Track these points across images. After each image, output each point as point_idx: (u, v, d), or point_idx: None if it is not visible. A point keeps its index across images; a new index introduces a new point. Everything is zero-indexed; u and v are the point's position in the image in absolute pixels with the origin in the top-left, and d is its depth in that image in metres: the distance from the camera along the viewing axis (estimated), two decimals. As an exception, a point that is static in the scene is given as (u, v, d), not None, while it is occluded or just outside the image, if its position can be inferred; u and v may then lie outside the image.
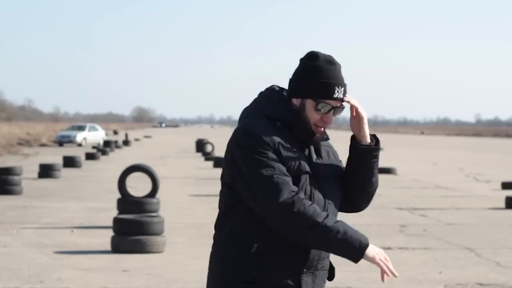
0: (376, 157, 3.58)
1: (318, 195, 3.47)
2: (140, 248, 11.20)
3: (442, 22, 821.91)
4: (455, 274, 9.90)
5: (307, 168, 3.47)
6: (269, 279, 3.42)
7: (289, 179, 3.38)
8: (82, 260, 10.61)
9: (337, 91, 3.46)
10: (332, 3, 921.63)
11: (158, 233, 11.46)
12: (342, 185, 3.59)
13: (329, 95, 3.45)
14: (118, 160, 36.75)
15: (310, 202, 3.38)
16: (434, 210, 17.15)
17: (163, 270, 10.03)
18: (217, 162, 33.07)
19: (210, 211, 16.66)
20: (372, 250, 3.39)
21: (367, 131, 3.56)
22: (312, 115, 3.47)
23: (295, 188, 3.38)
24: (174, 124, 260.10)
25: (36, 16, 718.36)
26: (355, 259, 3.39)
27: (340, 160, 3.68)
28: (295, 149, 3.47)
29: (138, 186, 19.79)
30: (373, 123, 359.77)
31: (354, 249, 3.36)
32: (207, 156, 40.09)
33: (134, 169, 14.30)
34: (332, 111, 3.48)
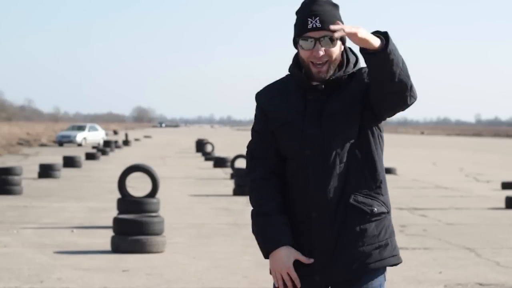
0: (389, 56, 3.25)
1: (313, 137, 3.44)
2: (140, 248, 11.20)
3: (442, 22, 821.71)
4: (455, 274, 9.89)
5: (293, 116, 3.47)
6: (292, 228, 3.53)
7: (262, 138, 3.56)
8: (82, 260, 10.61)
9: (310, 22, 3.40)
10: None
11: (158, 233, 11.45)
12: (355, 119, 3.44)
13: (304, 28, 3.42)
14: (118, 160, 36.74)
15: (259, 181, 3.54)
16: (434, 210, 17.15)
17: (163, 270, 10.02)
18: (217, 162, 33.06)
19: (210, 211, 16.66)
20: (273, 262, 3.46)
21: (369, 38, 3.22)
22: (304, 55, 3.44)
23: (258, 153, 3.57)
24: (174, 124, 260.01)
25: (36, 16, 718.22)
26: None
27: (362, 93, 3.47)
28: (287, 100, 3.52)
29: (138, 186, 19.79)
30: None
31: (261, 250, 3.53)
32: (207, 156, 40.07)
33: (134, 169, 14.29)
34: (319, 43, 3.40)
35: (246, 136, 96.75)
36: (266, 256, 3.52)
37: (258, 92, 3.63)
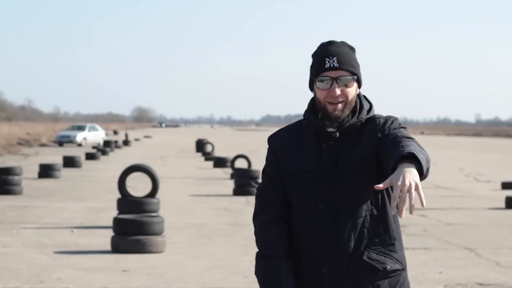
0: (425, 176, 3.23)
1: (327, 192, 3.41)
2: (140, 248, 11.20)
3: (442, 22, 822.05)
4: (455, 274, 9.89)
5: (308, 167, 3.45)
6: (296, 282, 3.48)
7: (273, 182, 3.54)
8: (82, 260, 10.61)
9: (328, 61, 3.41)
10: (332, 3, 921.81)
11: (158, 233, 11.46)
12: (370, 175, 3.39)
13: (321, 67, 3.43)
14: (118, 160, 36.74)
15: (263, 222, 3.52)
16: (434, 210, 17.15)
17: (163, 270, 10.02)
18: (217, 162, 33.07)
19: (210, 211, 16.66)
20: None
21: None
22: (321, 96, 3.45)
23: (268, 196, 3.54)
24: (174, 124, 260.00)
25: (36, 16, 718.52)
26: None
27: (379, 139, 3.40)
28: (301, 148, 3.49)
29: (138, 186, 19.79)
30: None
31: None
32: (207, 156, 40.08)
33: (134, 169, 14.30)
34: (336, 82, 3.41)
35: (246, 136, 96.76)
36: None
37: (272, 136, 3.62)
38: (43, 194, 20.04)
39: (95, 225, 14.17)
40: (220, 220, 15.07)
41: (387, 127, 3.45)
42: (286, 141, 3.55)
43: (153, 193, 13.92)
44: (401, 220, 15.22)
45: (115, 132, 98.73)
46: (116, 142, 55.51)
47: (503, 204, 18.16)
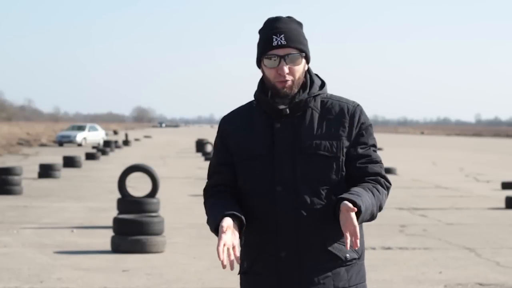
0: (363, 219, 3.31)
1: (285, 174, 3.33)
2: (140, 248, 11.20)
3: (442, 23, 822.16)
4: (455, 274, 9.89)
5: (261, 150, 3.36)
6: (254, 268, 3.40)
7: (222, 169, 3.45)
8: (82, 260, 10.61)
9: (275, 39, 3.33)
10: (332, 3, 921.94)
11: (158, 233, 11.46)
12: (331, 162, 3.34)
13: (269, 45, 3.34)
14: (118, 160, 36.75)
15: (211, 197, 3.44)
16: (434, 210, 17.15)
17: (163, 270, 10.02)
18: (217, 162, 33.06)
19: (210, 211, 16.66)
20: (219, 238, 3.20)
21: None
22: (269, 74, 3.36)
23: (215, 181, 3.46)
24: (174, 124, 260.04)
25: (36, 16, 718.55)
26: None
27: (342, 132, 3.37)
28: (253, 131, 3.40)
29: (138, 186, 19.80)
30: (373, 123, 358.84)
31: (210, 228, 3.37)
32: (207, 156, 40.07)
33: (134, 169, 14.30)
34: (284, 60, 3.33)
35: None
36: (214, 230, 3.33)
37: (223, 119, 3.51)
38: (43, 194, 20.04)
39: (95, 225, 14.17)
40: (220, 220, 15.06)
41: (359, 127, 3.39)
42: (238, 125, 3.44)
43: (153, 193, 13.93)
44: (401, 220, 15.22)
45: (115, 132, 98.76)
46: (116, 142, 55.53)
47: (503, 204, 18.17)
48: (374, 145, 3.44)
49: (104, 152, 43.53)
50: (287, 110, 3.35)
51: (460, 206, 18.20)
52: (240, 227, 3.29)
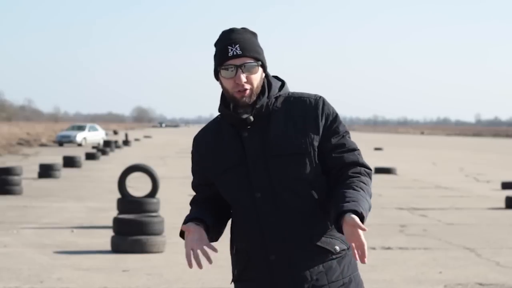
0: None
1: (261, 180, 3.35)
2: (140, 248, 11.20)
3: (442, 23, 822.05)
4: (455, 274, 9.89)
5: (234, 160, 3.39)
6: (246, 275, 3.44)
7: (200, 189, 3.59)
8: (82, 260, 10.61)
9: (231, 49, 3.36)
10: (332, 3, 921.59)
11: (158, 233, 11.46)
12: (306, 160, 3.35)
13: (225, 56, 3.36)
14: (118, 160, 36.74)
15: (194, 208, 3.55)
16: (434, 210, 17.15)
17: (163, 270, 10.02)
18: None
19: (210, 211, 16.66)
20: (185, 240, 3.41)
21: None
22: (227, 85, 3.38)
23: (197, 197, 3.61)
24: (174, 124, 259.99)
25: (36, 16, 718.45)
26: None
27: (315, 124, 3.38)
28: (223, 144, 3.43)
29: (138, 186, 19.80)
30: (373, 123, 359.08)
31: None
32: (207, 156, 40.05)
33: (134, 169, 14.30)
34: (240, 70, 3.34)
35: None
36: (181, 234, 3.46)
37: (196, 137, 3.58)
38: (43, 194, 20.04)
39: (95, 225, 14.16)
40: (220, 220, 15.05)
41: (324, 119, 3.39)
42: (209, 141, 3.49)
43: (153, 193, 13.93)
44: (401, 220, 15.22)
45: (115, 132, 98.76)
46: (116, 142, 55.50)
47: (503, 204, 18.16)
48: (347, 132, 3.44)
49: (104, 152, 43.51)
50: (251, 118, 3.38)
51: (460, 206, 18.20)
52: (206, 228, 3.45)
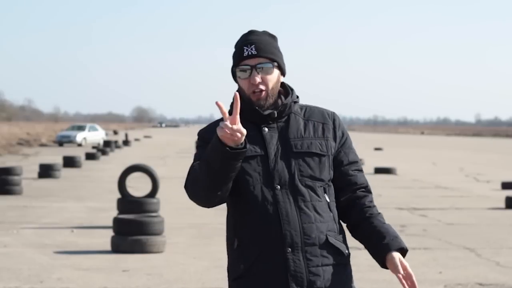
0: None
1: (281, 172, 3.36)
2: (140, 248, 11.20)
3: (442, 23, 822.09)
4: (455, 274, 9.89)
5: (255, 151, 3.36)
6: (255, 268, 3.36)
7: None
8: (82, 260, 10.61)
9: (246, 50, 3.37)
10: (332, 3, 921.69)
11: (158, 233, 11.46)
12: (324, 163, 3.43)
13: (240, 56, 3.38)
14: (118, 160, 36.75)
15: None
16: (434, 210, 17.15)
17: (163, 270, 10.03)
18: (217, 162, 33.05)
19: (210, 211, 16.64)
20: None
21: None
22: (244, 86, 3.39)
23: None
24: (174, 124, 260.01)
25: (36, 16, 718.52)
26: None
27: (327, 137, 3.46)
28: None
29: (138, 186, 19.80)
30: (373, 123, 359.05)
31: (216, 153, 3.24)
32: (207, 156, 40.05)
33: (134, 169, 14.30)
34: (255, 70, 3.36)
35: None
36: (224, 146, 3.20)
37: (203, 130, 3.51)
38: (43, 194, 20.04)
39: (95, 225, 14.17)
40: (220, 220, 15.06)
41: (341, 131, 3.50)
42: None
43: (153, 193, 13.93)
44: (401, 220, 15.22)
45: (115, 132, 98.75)
46: (116, 142, 55.51)
47: (503, 204, 18.17)
48: (354, 150, 3.60)
49: (104, 152, 43.51)
50: (275, 113, 3.40)
51: (460, 206, 18.20)
52: None
